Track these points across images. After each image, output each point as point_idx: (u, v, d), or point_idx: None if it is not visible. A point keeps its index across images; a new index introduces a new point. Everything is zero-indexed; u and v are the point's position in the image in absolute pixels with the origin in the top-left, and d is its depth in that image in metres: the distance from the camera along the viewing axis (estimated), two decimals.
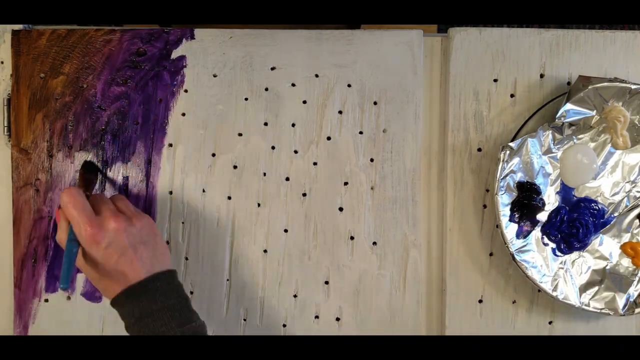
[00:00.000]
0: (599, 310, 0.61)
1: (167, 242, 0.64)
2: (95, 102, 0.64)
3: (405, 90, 0.64)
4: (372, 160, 0.64)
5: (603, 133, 0.63)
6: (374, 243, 0.64)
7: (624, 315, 0.61)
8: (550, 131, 0.62)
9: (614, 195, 0.63)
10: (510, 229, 0.61)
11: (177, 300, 0.52)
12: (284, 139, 0.64)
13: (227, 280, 0.64)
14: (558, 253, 0.63)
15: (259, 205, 0.64)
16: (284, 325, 0.64)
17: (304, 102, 0.64)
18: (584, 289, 0.62)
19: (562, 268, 0.62)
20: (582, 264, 0.63)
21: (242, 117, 0.64)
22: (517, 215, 0.62)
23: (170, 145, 0.64)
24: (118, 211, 0.53)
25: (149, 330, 0.49)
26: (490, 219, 0.65)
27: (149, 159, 0.64)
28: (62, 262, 0.50)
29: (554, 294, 0.61)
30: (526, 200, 0.62)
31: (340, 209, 0.64)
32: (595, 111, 0.62)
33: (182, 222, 0.64)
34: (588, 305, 0.61)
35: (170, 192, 0.64)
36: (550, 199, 0.63)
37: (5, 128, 0.64)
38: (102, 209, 0.52)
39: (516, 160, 0.61)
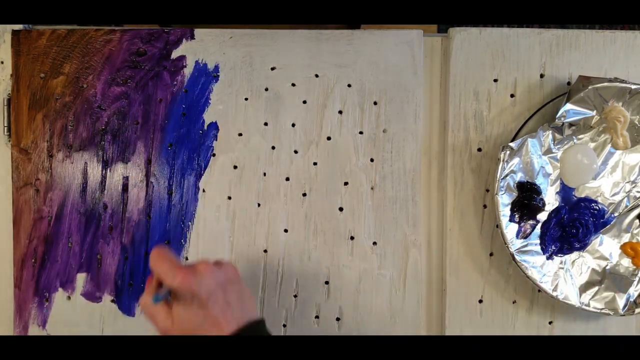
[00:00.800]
0: (599, 311, 0.61)
1: (167, 242, 0.64)
2: (95, 102, 0.64)
3: (405, 90, 0.64)
4: (372, 160, 0.64)
5: (603, 133, 0.63)
6: (374, 243, 0.64)
7: (624, 315, 0.61)
8: (551, 131, 0.62)
9: (614, 195, 0.63)
10: (510, 229, 0.61)
11: None
12: (284, 139, 0.64)
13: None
14: (557, 255, 0.63)
15: (259, 205, 0.64)
16: (284, 325, 0.64)
17: (304, 102, 0.64)
18: (584, 289, 0.62)
19: (562, 268, 0.62)
20: (582, 264, 0.63)
21: (242, 117, 0.64)
22: (517, 216, 0.62)
23: (171, 145, 0.64)
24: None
25: None
26: (490, 219, 0.65)
27: (149, 159, 0.64)
28: (153, 301, 0.49)
29: (554, 294, 0.61)
30: (526, 200, 0.62)
31: (340, 209, 0.64)
32: (595, 111, 0.62)
33: (182, 222, 0.64)
34: (588, 305, 0.61)
35: (170, 193, 0.64)
36: (551, 199, 0.63)
37: (5, 128, 0.64)
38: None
39: (516, 160, 0.61)
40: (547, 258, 0.62)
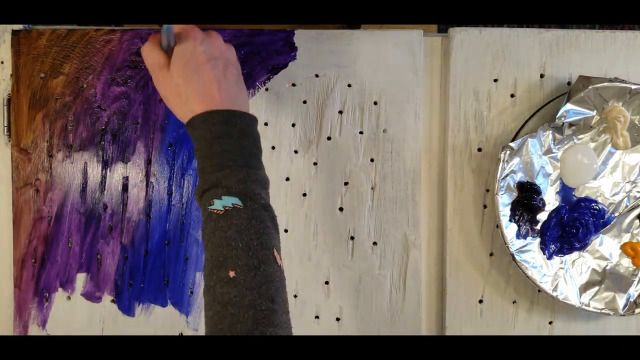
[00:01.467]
0: (599, 311, 0.61)
1: (167, 243, 0.64)
2: (95, 102, 0.64)
3: (406, 90, 0.64)
4: (372, 160, 0.64)
5: (603, 133, 0.63)
6: (374, 243, 0.64)
7: (624, 315, 0.61)
8: (551, 131, 0.62)
9: (614, 195, 0.63)
10: (510, 229, 0.61)
11: (252, 145, 0.49)
12: (284, 139, 0.64)
13: None
14: (557, 255, 0.63)
15: None
16: None
17: (304, 102, 0.64)
18: (584, 289, 0.62)
19: (562, 268, 0.62)
20: (582, 264, 0.63)
21: None
22: (517, 216, 0.62)
23: (170, 145, 0.64)
24: None
25: (215, 159, 0.47)
26: (490, 219, 0.65)
27: (149, 159, 0.64)
28: (163, 35, 0.49)
29: (554, 294, 0.61)
30: (526, 200, 0.62)
31: (341, 209, 0.64)
32: (595, 111, 0.62)
33: (182, 223, 0.64)
34: (588, 305, 0.61)
35: (170, 193, 0.64)
36: (551, 199, 0.63)
37: (5, 128, 0.64)
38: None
39: (516, 160, 0.61)
40: (547, 258, 0.62)
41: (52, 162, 0.63)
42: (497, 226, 0.61)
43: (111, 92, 0.64)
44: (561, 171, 0.63)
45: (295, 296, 0.64)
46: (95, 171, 0.64)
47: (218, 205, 0.46)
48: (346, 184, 0.64)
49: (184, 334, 0.64)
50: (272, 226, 0.48)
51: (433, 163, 0.66)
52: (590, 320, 0.65)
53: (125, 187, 0.64)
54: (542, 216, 0.63)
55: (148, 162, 0.64)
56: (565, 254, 0.63)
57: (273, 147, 0.64)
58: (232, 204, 0.46)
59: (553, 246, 0.63)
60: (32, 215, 0.63)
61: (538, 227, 0.62)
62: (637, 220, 0.64)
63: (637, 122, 0.62)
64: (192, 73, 0.48)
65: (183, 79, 0.49)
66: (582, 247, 0.63)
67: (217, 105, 0.48)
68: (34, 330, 0.63)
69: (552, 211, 0.63)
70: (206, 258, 0.47)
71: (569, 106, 0.61)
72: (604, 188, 0.63)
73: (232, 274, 0.44)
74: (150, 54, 0.50)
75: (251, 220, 0.46)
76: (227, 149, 0.48)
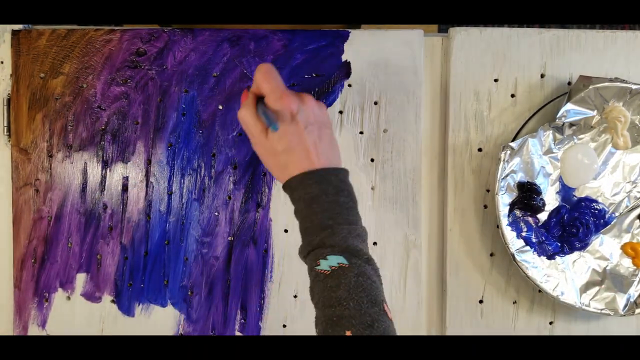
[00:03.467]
0: (599, 311, 0.61)
1: (167, 243, 0.64)
2: (95, 102, 0.64)
3: (406, 90, 0.64)
4: (372, 160, 0.64)
5: (604, 133, 0.63)
6: (375, 243, 0.64)
7: (624, 315, 0.61)
8: (551, 131, 0.62)
9: (614, 195, 0.63)
10: (510, 229, 0.61)
11: (348, 199, 0.51)
12: None
13: (228, 280, 0.64)
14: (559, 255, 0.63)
15: (259, 205, 0.64)
16: (284, 326, 0.64)
17: None
18: (584, 289, 0.62)
19: (563, 269, 0.62)
20: (582, 264, 0.63)
21: None
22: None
23: (170, 145, 0.64)
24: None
25: (316, 219, 0.49)
26: (490, 219, 0.65)
27: (149, 159, 0.64)
28: (261, 117, 0.51)
29: (555, 294, 0.61)
30: (527, 200, 0.61)
31: None
32: (595, 111, 0.62)
33: (182, 223, 0.64)
34: (588, 305, 0.61)
35: (170, 193, 0.64)
36: (551, 199, 0.63)
37: (5, 128, 0.63)
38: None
39: (517, 160, 0.61)
40: (548, 258, 0.62)
41: (52, 162, 0.63)
42: (498, 226, 0.61)
43: (111, 92, 0.64)
44: (561, 171, 0.63)
45: (295, 296, 0.64)
46: (95, 171, 0.64)
47: (324, 265, 0.48)
48: None
49: (183, 334, 0.64)
50: (377, 279, 0.49)
51: (433, 163, 0.66)
52: (591, 320, 0.65)
53: (125, 187, 0.64)
54: (542, 216, 0.63)
55: (148, 162, 0.64)
56: (565, 253, 0.63)
57: None
58: (338, 263, 0.48)
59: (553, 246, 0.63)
60: (32, 215, 0.63)
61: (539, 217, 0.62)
62: (638, 221, 0.64)
63: (637, 122, 0.62)
64: (290, 141, 0.50)
65: (282, 146, 0.51)
66: (583, 247, 0.63)
67: (312, 167, 0.50)
68: (33, 331, 0.63)
69: (552, 211, 0.63)
70: (318, 316, 0.48)
71: (569, 106, 0.61)
72: (604, 188, 0.63)
73: (348, 333, 0.45)
74: (248, 120, 0.52)
75: (358, 278, 0.47)
76: (326, 207, 0.49)
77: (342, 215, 0.50)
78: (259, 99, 0.52)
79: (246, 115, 0.52)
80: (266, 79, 0.51)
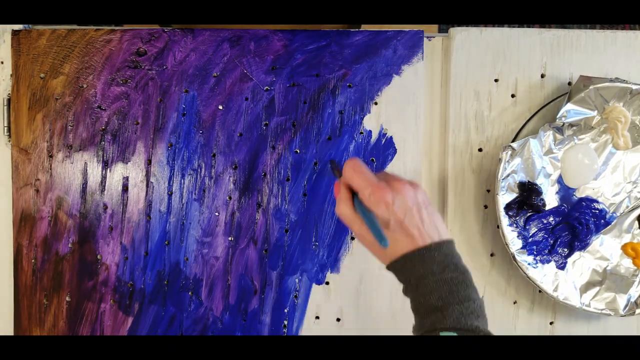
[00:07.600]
0: (599, 311, 0.61)
1: (167, 243, 0.64)
2: (95, 102, 0.64)
3: (406, 90, 0.64)
4: (372, 160, 0.64)
5: (604, 133, 0.63)
6: None
7: (624, 315, 0.61)
8: (551, 131, 0.62)
9: (614, 195, 0.63)
10: (510, 229, 0.61)
11: (457, 273, 0.49)
12: (284, 139, 0.64)
13: (228, 280, 0.64)
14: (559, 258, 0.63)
15: (259, 205, 0.64)
16: (284, 326, 0.64)
17: (304, 102, 0.64)
18: (584, 289, 0.62)
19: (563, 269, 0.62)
20: (582, 265, 0.63)
21: (242, 117, 0.64)
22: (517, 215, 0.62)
23: (171, 145, 0.64)
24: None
25: (425, 300, 0.48)
26: (491, 219, 0.65)
27: (149, 159, 0.64)
28: (370, 228, 0.50)
29: (555, 294, 0.61)
30: (527, 200, 0.61)
31: None
32: (596, 111, 0.62)
33: (182, 223, 0.64)
34: (589, 305, 0.61)
35: (170, 193, 0.64)
36: (551, 199, 0.63)
37: (5, 128, 0.64)
38: (378, 177, 0.52)
39: (517, 160, 0.61)
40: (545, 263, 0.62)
41: (52, 162, 0.63)
42: (498, 226, 0.61)
43: (111, 92, 0.64)
44: (562, 171, 0.63)
45: (295, 296, 0.64)
46: (95, 171, 0.64)
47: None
48: None
49: (184, 334, 0.64)
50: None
51: (434, 163, 0.66)
52: (591, 320, 0.65)
53: (125, 187, 0.64)
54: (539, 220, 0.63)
55: (148, 162, 0.64)
56: (562, 264, 0.63)
57: (273, 147, 0.64)
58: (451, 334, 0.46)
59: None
60: (32, 215, 0.63)
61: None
62: (638, 221, 0.64)
63: (637, 123, 0.62)
64: (391, 231, 0.49)
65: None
66: (583, 247, 0.63)
67: (414, 247, 0.49)
68: (33, 331, 0.63)
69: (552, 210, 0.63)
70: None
71: (569, 106, 0.61)
72: (604, 188, 0.63)
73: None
74: (347, 214, 0.51)
75: None
76: (433, 288, 0.48)
77: (451, 294, 0.48)
78: (354, 194, 0.52)
79: (345, 213, 0.51)
80: (356, 174, 0.50)
